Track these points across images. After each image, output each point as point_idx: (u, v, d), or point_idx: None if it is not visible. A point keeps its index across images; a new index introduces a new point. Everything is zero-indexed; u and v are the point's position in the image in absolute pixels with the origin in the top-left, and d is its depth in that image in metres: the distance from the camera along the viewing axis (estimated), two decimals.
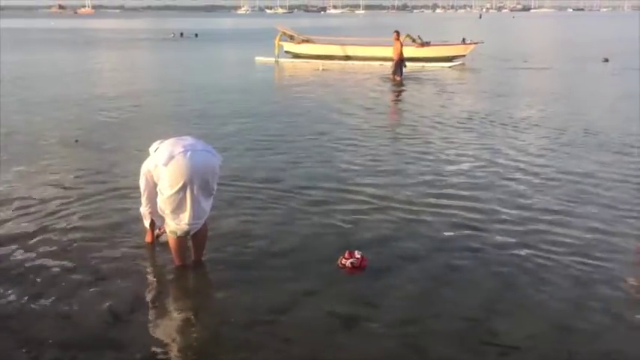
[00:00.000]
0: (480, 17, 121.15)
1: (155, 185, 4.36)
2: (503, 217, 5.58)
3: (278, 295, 4.10)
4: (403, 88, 15.47)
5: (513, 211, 5.71)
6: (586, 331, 3.68)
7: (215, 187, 4.43)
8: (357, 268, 4.47)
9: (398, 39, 17.03)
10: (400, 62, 16.67)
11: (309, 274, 4.43)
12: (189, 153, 4.19)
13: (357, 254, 4.55)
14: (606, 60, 21.66)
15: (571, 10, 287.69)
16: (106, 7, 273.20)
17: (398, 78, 16.41)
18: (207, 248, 4.63)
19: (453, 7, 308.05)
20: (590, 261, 4.63)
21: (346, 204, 5.97)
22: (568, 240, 5.03)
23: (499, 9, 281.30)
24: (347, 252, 4.58)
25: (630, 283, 4.33)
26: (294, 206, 5.87)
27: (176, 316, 3.92)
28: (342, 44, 23.51)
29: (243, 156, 7.84)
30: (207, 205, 4.39)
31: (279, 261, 4.64)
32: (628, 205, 5.90)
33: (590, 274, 4.41)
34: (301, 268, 4.52)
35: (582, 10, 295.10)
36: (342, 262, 4.51)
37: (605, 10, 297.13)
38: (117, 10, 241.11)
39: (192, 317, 3.88)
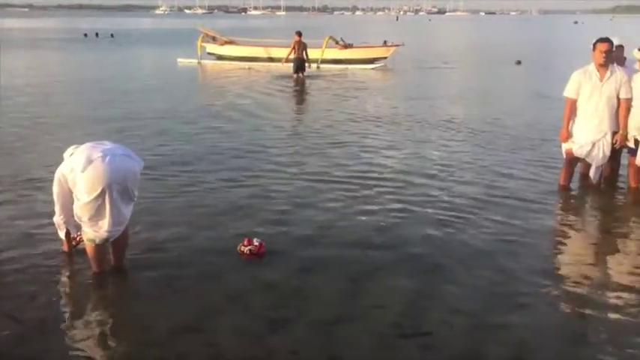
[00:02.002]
0: (397, 19, 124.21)
1: (70, 191, 4.18)
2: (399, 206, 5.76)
3: (198, 297, 4.06)
4: (310, 87, 15.87)
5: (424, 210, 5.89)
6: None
7: (136, 192, 4.32)
8: (255, 254, 4.61)
9: (299, 39, 17.81)
10: (301, 61, 17.65)
11: (227, 272, 4.45)
12: (107, 158, 4.06)
13: (256, 241, 4.68)
14: (519, 62, 22.71)
15: (483, 13, 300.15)
16: (13, 6, 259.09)
17: (301, 76, 17.39)
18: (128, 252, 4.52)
19: (372, 9, 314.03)
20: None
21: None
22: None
23: (416, 12, 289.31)
24: (246, 239, 4.70)
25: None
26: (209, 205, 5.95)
27: (95, 326, 3.75)
28: (266, 46, 23.39)
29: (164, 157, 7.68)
30: (127, 210, 4.27)
31: (196, 261, 4.61)
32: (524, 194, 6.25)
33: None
34: (214, 265, 4.55)
35: (494, 13, 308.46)
36: (241, 248, 4.64)
37: (514, 13, 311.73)
38: (25, 9, 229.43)
39: (113, 326, 3.75)
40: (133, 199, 4.32)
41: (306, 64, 18.07)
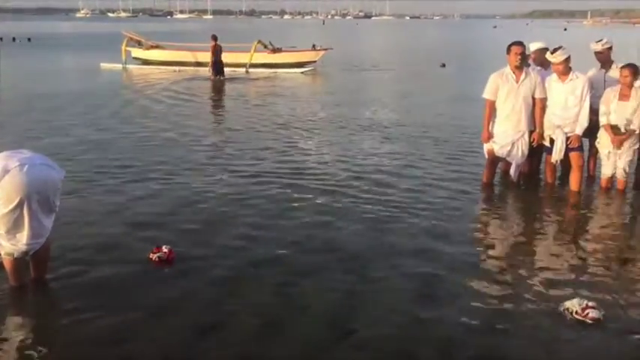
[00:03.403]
0: (324, 23, 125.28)
1: None
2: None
3: (119, 308, 3.96)
4: (234, 91, 15.90)
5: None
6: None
7: (57, 202, 4.14)
8: (164, 261, 4.61)
9: (215, 43, 18.22)
10: (217, 64, 18.16)
11: (148, 281, 4.39)
12: (26, 167, 3.88)
13: (165, 248, 4.67)
14: (443, 65, 23.46)
15: (408, 17, 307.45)
16: None
17: (219, 77, 18.01)
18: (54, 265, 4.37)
19: (300, 13, 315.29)
20: None
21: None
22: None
23: (343, 15, 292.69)
24: (155, 247, 4.71)
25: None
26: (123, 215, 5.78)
27: (15, 341, 3.58)
28: (193, 50, 23.06)
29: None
30: (48, 222, 4.09)
31: (115, 272, 4.51)
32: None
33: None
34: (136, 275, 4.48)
35: (418, 17, 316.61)
36: (150, 256, 4.63)
37: (437, 17, 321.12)
38: None
39: (33, 341, 3.57)
40: (54, 210, 4.14)
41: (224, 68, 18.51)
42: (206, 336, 3.65)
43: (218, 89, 16.70)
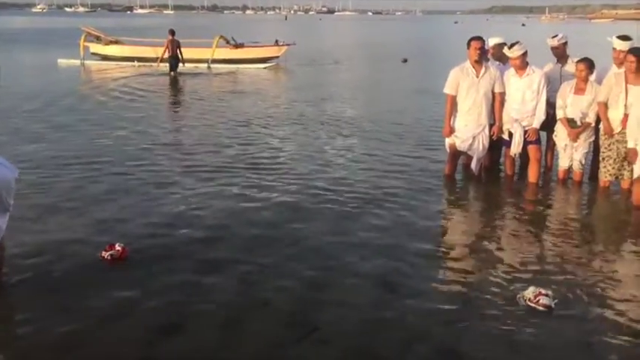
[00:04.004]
0: (286, 19, 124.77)
1: None
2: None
3: (78, 310, 3.87)
4: (192, 87, 15.83)
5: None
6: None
7: (11, 202, 4.01)
8: (117, 259, 4.52)
9: (172, 38, 18.18)
10: (176, 59, 18.17)
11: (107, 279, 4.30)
12: None
13: (118, 246, 4.59)
14: (405, 60, 23.65)
15: (371, 13, 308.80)
16: None
17: (172, 74, 17.89)
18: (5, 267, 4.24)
19: (262, 8, 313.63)
20: None
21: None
22: None
23: (306, 11, 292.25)
24: (107, 244, 4.62)
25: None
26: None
27: None
28: (154, 46, 22.67)
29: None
30: (2, 222, 3.98)
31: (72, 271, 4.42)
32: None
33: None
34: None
35: (380, 13, 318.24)
36: (102, 254, 4.54)
37: (399, 13, 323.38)
38: None
39: None
40: (9, 209, 4.01)
41: (180, 63, 18.43)
42: (165, 337, 3.59)
43: (177, 85, 16.50)
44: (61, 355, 3.42)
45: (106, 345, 3.51)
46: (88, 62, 21.29)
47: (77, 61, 21.09)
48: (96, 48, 22.62)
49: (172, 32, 18.36)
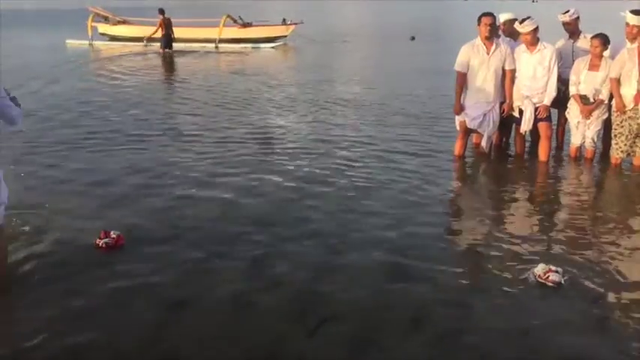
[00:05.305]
0: None
1: None
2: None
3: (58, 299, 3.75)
4: (196, 67, 15.72)
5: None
6: None
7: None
8: (112, 247, 4.40)
9: (164, 17, 18.76)
10: (167, 37, 18.66)
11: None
12: None
13: (113, 234, 4.47)
14: (413, 38, 23.44)
15: None
16: None
17: (165, 50, 18.43)
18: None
19: None
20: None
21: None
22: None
23: None
24: (102, 232, 4.50)
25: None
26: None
27: None
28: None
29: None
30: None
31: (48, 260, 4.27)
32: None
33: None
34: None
35: None
36: (97, 242, 4.42)
37: None
38: None
39: None
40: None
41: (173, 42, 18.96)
42: (174, 316, 3.58)
43: (172, 63, 16.71)
44: (70, 337, 3.37)
45: (117, 323, 3.50)
46: (96, 43, 21.26)
47: (86, 42, 21.06)
48: (104, 28, 22.58)
49: (162, 11, 18.89)
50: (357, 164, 6.65)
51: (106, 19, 22.83)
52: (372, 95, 11.12)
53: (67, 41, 21.45)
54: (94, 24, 22.07)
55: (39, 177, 6.14)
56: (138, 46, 20.05)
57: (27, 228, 4.72)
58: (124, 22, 22.90)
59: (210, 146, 7.40)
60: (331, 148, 7.27)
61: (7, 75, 13.47)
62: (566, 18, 6.88)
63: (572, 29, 6.92)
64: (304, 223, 5.00)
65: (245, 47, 20.15)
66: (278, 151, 7.19)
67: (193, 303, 3.72)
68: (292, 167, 6.52)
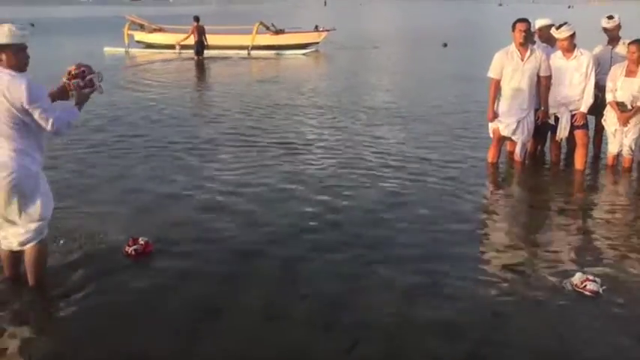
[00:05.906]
0: (325, 4, 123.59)
1: None
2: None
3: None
4: (232, 73, 15.83)
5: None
6: None
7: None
8: (141, 254, 4.40)
9: (197, 24, 18.98)
10: (200, 44, 18.99)
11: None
12: None
13: (141, 240, 4.47)
14: (445, 45, 23.25)
15: None
16: None
17: (199, 57, 18.80)
18: None
19: None
20: None
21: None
22: None
23: None
24: (130, 239, 4.50)
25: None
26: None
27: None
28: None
29: None
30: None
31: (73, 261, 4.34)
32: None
33: None
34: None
35: None
36: (126, 249, 4.42)
37: None
38: None
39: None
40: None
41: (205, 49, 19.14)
42: (205, 327, 3.59)
43: (204, 70, 17.06)
44: (106, 346, 3.42)
45: (147, 334, 3.52)
46: (132, 50, 21.66)
47: (122, 50, 21.49)
48: (140, 36, 22.97)
49: (197, 19, 19.11)
50: (388, 170, 6.63)
51: (142, 27, 23.24)
52: (402, 102, 11.06)
53: (105, 49, 21.91)
54: (130, 32, 22.50)
55: (69, 183, 6.18)
56: (172, 54, 20.36)
57: (57, 234, 4.66)
58: (159, 30, 23.27)
59: (238, 153, 7.41)
60: (360, 157, 7.24)
61: (49, 81, 13.82)
62: (610, 24, 6.74)
63: (614, 35, 6.79)
64: (333, 234, 4.95)
65: (277, 54, 20.30)
66: (305, 159, 7.15)
67: (223, 312, 3.72)
68: (320, 175, 6.49)
